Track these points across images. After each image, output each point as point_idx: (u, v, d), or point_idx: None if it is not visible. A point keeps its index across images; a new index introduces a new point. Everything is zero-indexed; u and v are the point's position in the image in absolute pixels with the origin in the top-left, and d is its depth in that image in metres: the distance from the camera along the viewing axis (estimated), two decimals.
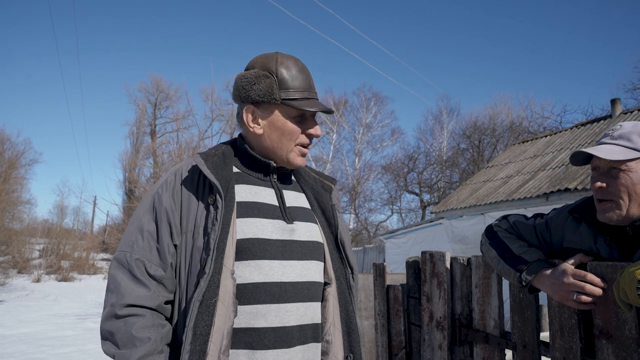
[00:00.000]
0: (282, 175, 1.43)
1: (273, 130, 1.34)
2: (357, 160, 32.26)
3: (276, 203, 1.36)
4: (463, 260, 2.03)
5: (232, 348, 1.19)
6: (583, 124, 12.23)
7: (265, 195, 1.35)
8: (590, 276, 1.36)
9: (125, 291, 1.19)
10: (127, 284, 1.21)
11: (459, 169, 28.44)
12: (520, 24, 44.85)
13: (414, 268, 2.34)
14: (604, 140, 1.44)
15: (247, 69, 1.36)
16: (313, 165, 31.38)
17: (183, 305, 1.23)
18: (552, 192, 8.81)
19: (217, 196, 1.23)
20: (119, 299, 1.19)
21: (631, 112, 11.06)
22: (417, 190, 29.98)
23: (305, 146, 1.39)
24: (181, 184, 1.30)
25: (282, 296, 1.26)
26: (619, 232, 1.43)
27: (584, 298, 1.35)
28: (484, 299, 1.91)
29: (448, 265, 2.08)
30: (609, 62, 41.44)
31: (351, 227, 31.36)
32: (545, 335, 1.72)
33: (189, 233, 1.25)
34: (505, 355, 1.86)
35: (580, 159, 1.47)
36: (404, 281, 2.44)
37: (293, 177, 1.48)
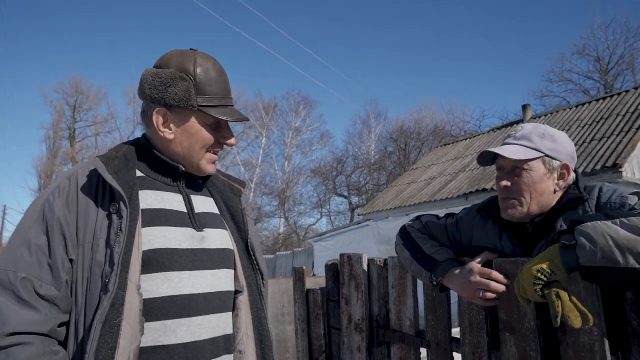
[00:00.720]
0: (190, 180, 1.35)
1: (186, 137, 1.26)
2: (286, 164, 32.27)
3: (184, 210, 1.27)
4: (380, 261, 2.04)
5: None
6: (499, 128, 12.99)
7: (172, 201, 1.27)
8: (495, 274, 1.40)
9: (8, 317, 1.03)
10: (10, 308, 1.04)
11: (386, 171, 29.24)
12: (443, 31, 46.98)
13: (333, 271, 2.32)
14: (508, 140, 1.49)
15: (160, 67, 1.25)
16: (242, 170, 31.02)
17: (81, 326, 1.10)
18: (471, 192, 9.24)
19: (121, 204, 1.12)
20: (1, 327, 1.02)
21: (539, 117, 11.87)
22: (346, 194, 30.46)
23: (216, 154, 1.32)
24: (77, 191, 1.16)
25: (193, 309, 1.19)
26: (521, 229, 1.49)
27: (489, 295, 1.39)
28: (400, 300, 1.93)
29: (365, 267, 2.08)
30: (523, 72, 44.40)
31: (281, 231, 31.29)
32: (457, 332, 1.76)
33: (88, 245, 1.12)
34: (420, 354, 1.88)
35: (487, 159, 1.52)
36: (319, 285, 2.43)
37: (201, 182, 1.40)
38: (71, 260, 1.12)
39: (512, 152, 1.42)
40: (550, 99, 23.29)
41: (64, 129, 36.02)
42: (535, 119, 11.82)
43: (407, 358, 1.90)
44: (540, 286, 1.18)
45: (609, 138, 8.18)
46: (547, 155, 1.41)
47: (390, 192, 12.60)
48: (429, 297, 1.76)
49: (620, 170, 6.94)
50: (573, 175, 1.46)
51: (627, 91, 10.12)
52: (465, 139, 13.84)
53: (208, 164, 1.31)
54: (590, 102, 10.77)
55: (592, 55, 22.19)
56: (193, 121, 1.25)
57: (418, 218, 1.78)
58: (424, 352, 1.87)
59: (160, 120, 1.24)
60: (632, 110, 8.84)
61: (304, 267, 2.52)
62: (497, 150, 1.44)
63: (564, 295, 1.15)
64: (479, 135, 13.74)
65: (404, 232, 1.75)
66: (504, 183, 1.44)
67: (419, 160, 16.99)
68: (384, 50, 49.07)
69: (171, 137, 1.25)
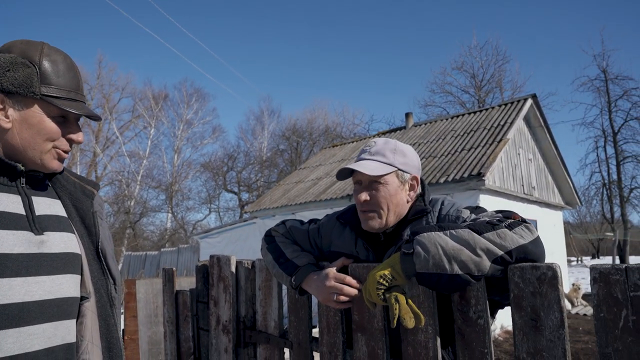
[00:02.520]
0: (33, 179, 1.25)
1: (26, 127, 1.17)
2: (176, 157, 31.15)
3: (22, 212, 1.18)
4: (247, 263, 2.06)
5: None
6: (383, 133, 13.71)
7: (7, 202, 1.17)
8: (348, 279, 1.49)
9: None
10: None
11: (277, 169, 29.45)
12: (339, 32, 48.37)
13: (203, 272, 2.30)
14: (363, 156, 1.59)
15: (0, 51, 1.16)
16: (127, 161, 29.32)
17: None
18: None
19: None
20: None
21: (419, 125, 12.73)
22: (236, 190, 30.14)
23: (64, 151, 1.24)
24: None
25: (23, 318, 1.11)
26: (374, 237, 1.60)
27: (342, 298, 1.47)
28: (266, 301, 1.97)
29: (233, 269, 2.10)
30: (410, 81, 47.30)
31: (167, 226, 30.10)
32: (317, 332, 1.84)
33: None
34: (284, 353, 1.94)
35: (345, 173, 1.60)
36: (190, 286, 2.40)
37: (48, 182, 1.31)
38: None
39: (369, 168, 1.52)
40: (432, 108, 25.13)
41: None
42: (416, 126, 12.66)
43: (271, 358, 1.95)
44: (382, 290, 1.29)
45: (476, 149, 9.04)
46: (399, 169, 1.53)
47: (277, 190, 12.72)
48: (292, 299, 1.82)
49: (483, 178, 7.71)
50: (420, 186, 1.61)
51: (492, 107, 11.26)
52: (353, 142, 14.40)
53: (52, 160, 1.23)
54: (463, 115, 11.80)
55: (468, 71, 24.36)
56: (35, 110, 1.17)
57: (283, 222, 1.83)
58: (287, 352, 1.94)
59: None
60: (495, 124, 9.85)
61: (174, 268, 2.47)
62: (354, 166, 1.53)
63: (402, 298, 1.27)
64: (365, 138, 14.39)
65: (268, 236, 1.79)
66: (364, 197, 1.53)
67: (307, 160, 17.35)
68: (280, 49, 49.38)
69: (8, 125, 1.16)
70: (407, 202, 1.57)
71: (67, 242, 1.25)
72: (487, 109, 11.34)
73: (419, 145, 10.84)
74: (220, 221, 30.21)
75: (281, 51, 50.25)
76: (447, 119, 12.15)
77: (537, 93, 11.13)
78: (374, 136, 13.98)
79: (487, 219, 1.30)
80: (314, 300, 1.78)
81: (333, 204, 9.99)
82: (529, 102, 10.74)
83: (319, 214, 9.96)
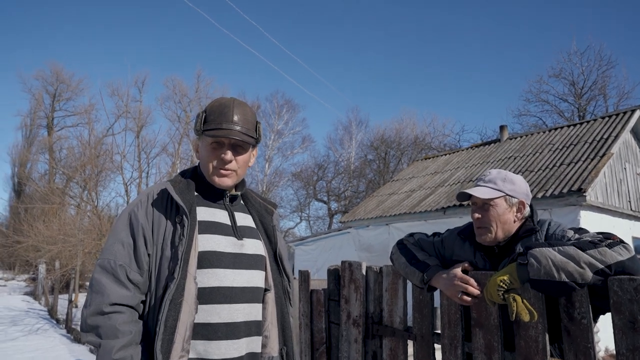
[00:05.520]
0: (233, 198, 1.73)
1: (201, 157, 1.66)
2: (267, 166, 32.55)
3: (229, 222, 1.65)
4: (376, 268, 2.48)
5: (192, 339, 1.46)
6: (477, 146, 13.62)
7: (220, 215, 1.65)
8: (472, 281, 1.85)
9: (111, 292, 1.44)
10: (112, 286, 1.44)
11: (365, 179, 29.77)
12: (428, 42, 47.98)
13: (334, 275, 2.76)
14: (479, 183, 1.97)
15: None
16: None
17: (152, 303, 1.49)
18: (449, 206, 9.80)
19: (184, 216, 1.52)
20: (105, 298, 1.43)
21: (515, 138, 12.53)
22: (326, 199, 30.89)
23: (221, 169, 1.61)
24: (152, 204, 1.57)
25: (232, 298, 1.54)
26: (490, 250, 1.96)
27: (466, 297, 1.84)
28: (392, 300, 2.37)
29: (364, 273, 2.53)
30: (503, 89, 45.68)
31: None
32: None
33: (159, 245, 1.52)
34: (407, 345, 2.33)
35: (464, 196, 1.98)
36: (320, 286, 2.87)
37: (242, 201, 1.79)
38: (149, 255, 1.52)
39: (482, 192, 1.90)
40: (527, 118, 24.20)
41: (42, 117, 35.46)
42: (511, 139, 12.48)
43: (396, 348, 2.35)
44: (502, 291, 1.65)
45: (576, 163, 8.83)
46: (507, 195, 1.89)
47: (371, 201, 13.10)
48: (417, 299, 2.21)
49: (584, 194, 7.56)
50: (528, 209, 1.94)
51: (595, 119, 10.84)
52: (445, 154, 14.44)
53: (216, 178, 1.62)
54: (562, 127, 11.46)
55: (567, 78, 23.16)
56: (202, 143, 1.64)
57: (411, 234, 2.23)
58: (410, 344, 2.32)
59: (194, 147, 1.69)
60: (597, 138, 9.53)
61: (309, 270, 2.95)
62: (470, 191, 1.92)
63: (518, 298, 1.62)
64: (457, 151, 14.36)
65: (400, 244, 2.20)
66: (477, 215, 1.92)
67: (399, 172, 17.54)
68: (369, 59, 49.94)
69: (198, 160, 1.68)
70: (514, 221, 1.91)
71: (257, 247, 1.69)
72: (588, 122, 10.94)
73: (515, 159, 10.72)
74: (310, 229, 31.15)
75: (369, 61, 50.85)
76: (544, 132, 11.86)
77: None
78: (466, 149, 13.93)
79: (590, 239, 1.61)
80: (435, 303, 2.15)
81: (427, 216, 10.19)
82: (638, 113, 10.21)
83: (414, 225, 10.19)
